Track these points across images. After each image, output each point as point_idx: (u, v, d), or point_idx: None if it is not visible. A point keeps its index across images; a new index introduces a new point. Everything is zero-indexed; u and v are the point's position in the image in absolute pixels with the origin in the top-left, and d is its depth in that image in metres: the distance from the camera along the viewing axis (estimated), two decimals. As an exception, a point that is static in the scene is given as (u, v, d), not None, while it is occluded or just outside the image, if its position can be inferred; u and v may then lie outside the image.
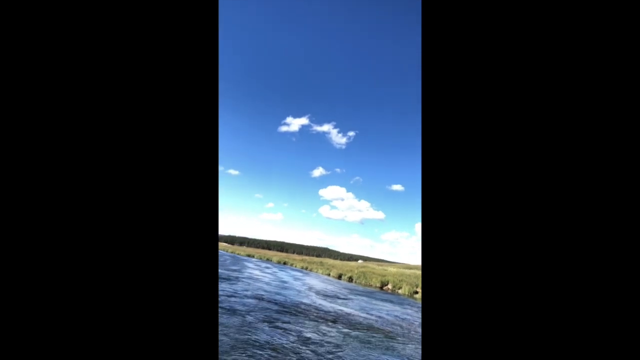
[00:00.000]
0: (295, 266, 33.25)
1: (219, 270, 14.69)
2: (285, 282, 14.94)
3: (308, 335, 5.59)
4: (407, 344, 6.05)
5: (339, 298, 11.67)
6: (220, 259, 25.35)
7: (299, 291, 11.99)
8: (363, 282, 21.30)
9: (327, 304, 9.57)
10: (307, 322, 6.66)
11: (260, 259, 40.62)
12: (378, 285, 19.88)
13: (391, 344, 5.94)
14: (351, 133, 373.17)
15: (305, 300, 9.64)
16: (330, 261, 41.79)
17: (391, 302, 12.78)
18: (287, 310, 7.65)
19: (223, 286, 9.73)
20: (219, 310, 6.38)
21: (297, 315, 7.23)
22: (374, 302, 11.96)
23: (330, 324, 6.84)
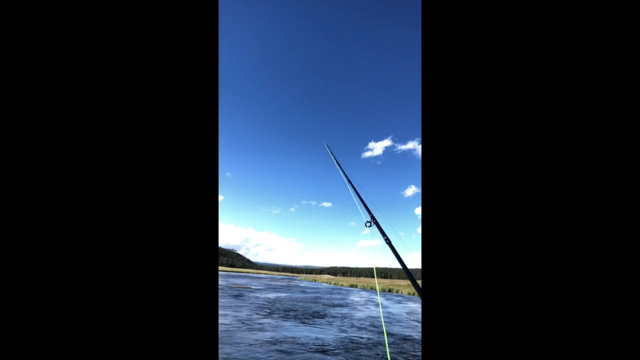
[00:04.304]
0: (401, 292, 30.73)
1: (329, 309, 14.40)
2: (394, 314, 13.47)
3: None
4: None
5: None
6: (318, 291, 25.22)
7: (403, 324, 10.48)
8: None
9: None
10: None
11: (364, 288, 39.33)
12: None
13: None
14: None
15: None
16: (441, 283, 37.44)
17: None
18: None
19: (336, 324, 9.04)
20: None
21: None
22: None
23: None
